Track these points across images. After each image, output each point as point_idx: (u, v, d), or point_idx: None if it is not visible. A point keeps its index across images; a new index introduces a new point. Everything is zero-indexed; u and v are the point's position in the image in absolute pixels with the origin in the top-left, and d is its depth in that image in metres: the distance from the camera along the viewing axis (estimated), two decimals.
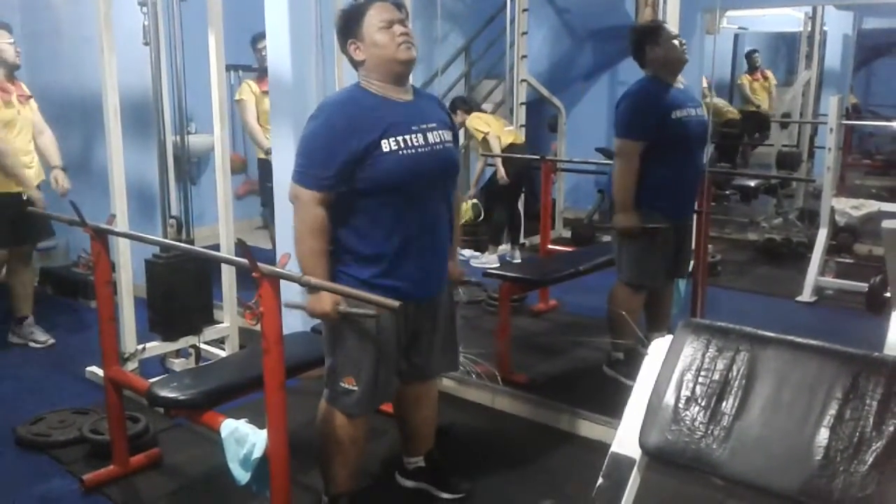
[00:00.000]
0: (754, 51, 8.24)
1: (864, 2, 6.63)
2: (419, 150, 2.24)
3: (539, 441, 3.10)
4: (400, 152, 2.20)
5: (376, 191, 2.21)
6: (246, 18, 4.40)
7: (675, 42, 3.24)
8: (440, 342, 2.50)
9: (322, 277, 2.16)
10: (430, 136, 2.28)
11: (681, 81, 3.34)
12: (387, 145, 2.19)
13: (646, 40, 3.26)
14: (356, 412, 2.35)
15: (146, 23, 3.60)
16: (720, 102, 7.27)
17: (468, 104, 5.81)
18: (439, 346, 2.50)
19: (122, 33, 3.49)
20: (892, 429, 1.45)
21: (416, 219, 2.28)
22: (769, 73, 7.86)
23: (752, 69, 7.97)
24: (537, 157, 5.13)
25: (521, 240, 5.84)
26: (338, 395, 2.34)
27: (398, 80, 2.29)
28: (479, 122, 5.58)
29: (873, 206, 4.55)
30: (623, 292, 3.39)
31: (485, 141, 5.48)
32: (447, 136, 2.35)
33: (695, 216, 3.53)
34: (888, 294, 2.87)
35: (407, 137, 2.22)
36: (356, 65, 2.31)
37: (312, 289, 2.16)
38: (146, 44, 3.63)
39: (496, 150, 5.42)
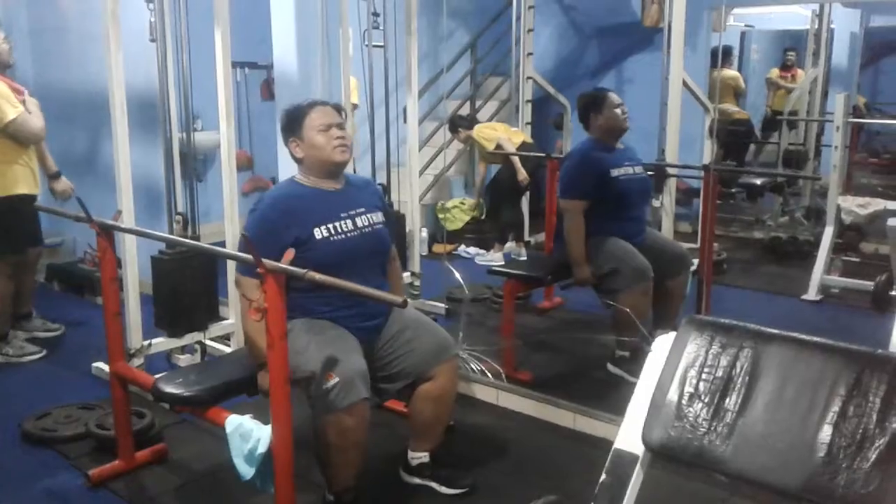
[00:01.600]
0: (792, 49, 8.19)
1: None
2: (349, 234, 2.49)
3: (543, 438, 3.10)
4: (331, 238, 2.45)
5: (314, 270, 2.24)
6: (253, 15, 4.41)
7: (618, 111, 3.51)
8: (420, 336, 2.57)
9: (264, 357, 2.24)
10: (358, 220, 2.53)
11: (621, 142, 3.61)
12: (319, 233, 2.44)
13: (591, 108, 3.55)
14: (352, 399, 2.30)
15: (152, 19, 3.62)
16: (730, 108, 7.27)
17: (468, 121, 5.98)
18: (422, 340, 2.56)
19: (128, 30, 3.49)
20: (895, 426, 1.45)
21: (344, 295, 2.39)
22: (801, 73, 7.80)
23: (786, 67, 7.94)
24: (543, 154, 5.13)
25: (526, 237, 5.83)
26: (328, 396, 2.30)
27: (331, 176, 2.55)
28: (487, 132, 5.63)
29: (880, 204, 4.53)
30: (629, 298, 3.40)
31: (498, 147, 5.50)
32: (376, 217, 2.60)
33: (701, 212, 3.63)
34: (894, 292, 2.87)
35: (337, 224, 2.48)
36: (297, 161, 2.55)
37: (263, 366, 2.28)
38: (153, 40, 3.64)
39: (512, 149, 5.45)
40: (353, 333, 2.48)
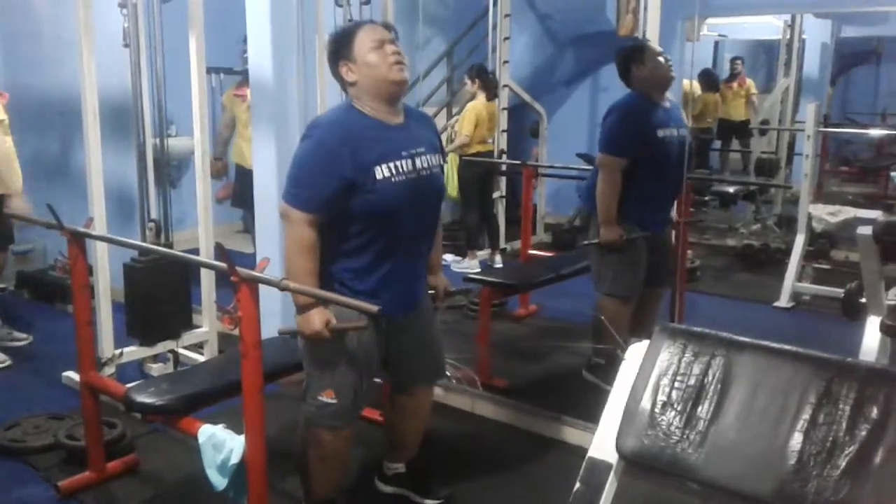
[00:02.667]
0: (737, 58, 8.31)
1: (842, 10, 6.71)
2: (409, 176, 2.24)
3: (519, 446, 3.10)
4: (392, 179, 2.20)
5: (366, 215, 2.21)
6: (228, 21, 4.38)
7: (661, 59, 3.27)
8: (422, 352, 2.51)
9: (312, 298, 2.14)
10: (418, 161, 2.28)
11: (668, 99, 3.37)
12: (380, 172, 2.18)
13: (632, 60, 3.29)
14: (339, 424, 2.33)
15: (126, 25, 3.58)
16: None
17: (490, 80, 5.68)
18: (422, 357, 2.51)
19: (101, 35, 3.46)
20: (864, 433, 1.47)
21: (403, 243, 2.29)
22: (749, 81, 7.93)
23: (731, 77, 8.04)
24: (518, 162, 5.15)
25: (502, 244, 5.85)
26: (317, 410, 2.30)
27: (390, 100, 2.28)
28: (467, 124, 5.58)
29: (850, 212, 4.60)
30: (611, 304, 3.38)
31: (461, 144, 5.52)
32: (435, 160, 2.35)
33: (675, 220, 3.57)
34: (863, 300, 2.91)
35: (399, 163, 2.22)
36: (347, 86, 2.30)
37: (301, 309, 2.16)
38: (126, 46, 3.61)
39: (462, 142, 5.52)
40: (388, 312, 2.25)
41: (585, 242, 3.42)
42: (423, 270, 2.46)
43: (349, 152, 2.16)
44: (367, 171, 2.17)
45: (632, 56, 3.31)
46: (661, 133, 3.24)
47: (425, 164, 2.29)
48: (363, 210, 2.19)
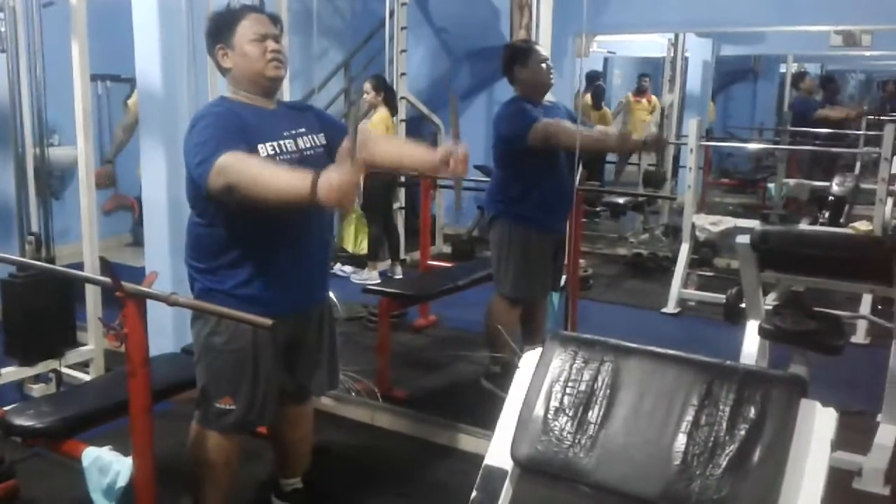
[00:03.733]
0: (644, 74, 8.63)
1: (721, 30, 7.07)
2: (293, 156, 2.19)
3: (419, 457, 3.11)
4: (277, 158, 2.14)
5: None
6: (115, 26, 4.23)
7: (543, 66, 3.36)
8: (322, 360, 2.46)
9: (304, 176, 1.88)
10: (300, 141, 2.24)
11: (548, 100, 3.46)
12: (264, 150, 2.13)
13: (515, 59, 3.37)
14: (233, 431, 2.29)
15: (3, 29, 3.42)
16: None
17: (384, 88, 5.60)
18: (321, 365, 2.46)
19: None
20: (743, 433, 1.55)
21: (291, 231, 2.22)
22: (654, 99, 8.25)
23: (640, 92, 8.36)
24: (416, 173, 5.17)
25: (402, 255, 5.86)
26: (212, 416, 2.26)
27: (265, 93, 2.25)
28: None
29: (730, 222, 4.85)
30: (500, 306, 3.46)
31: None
32: (319, 139, 2.30)
33: (567, 231, 3.66)
34: (743, 305, 3.07)
35: (282, 143, 2.18)
36: (222, 71, 2.26)
37: (313, 190, 1.85)
38: (2, 51, 3.44)
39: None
40: (267, 300, 2.19)
41: (622, 164, 3.36)
42: (321, 265, 2.40)
43: (238, 124, 2.12)
44: (252, 151, 2.09)
45: (516, 55, 3.38)
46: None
47: (308, 145, 2.26)
48: None
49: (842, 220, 4.57)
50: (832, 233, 3.23)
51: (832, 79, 9.39)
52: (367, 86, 5.47)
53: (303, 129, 2.27)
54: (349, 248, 6.02)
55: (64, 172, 5.69)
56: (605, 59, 9.51)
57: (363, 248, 5.97)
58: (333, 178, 1.84)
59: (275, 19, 2.28)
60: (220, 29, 2.22)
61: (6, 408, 2.43)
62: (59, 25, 3.57)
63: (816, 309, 2.80)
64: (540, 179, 3.34)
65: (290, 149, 2.20)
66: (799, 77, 8.54)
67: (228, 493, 2.37)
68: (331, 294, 3.54)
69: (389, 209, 5.81)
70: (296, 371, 2.41)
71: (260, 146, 2.13)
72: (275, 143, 2.17)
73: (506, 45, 3.48)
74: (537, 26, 3.87)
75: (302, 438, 2.61)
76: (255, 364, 2.24)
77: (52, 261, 3.48)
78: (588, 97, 7.69)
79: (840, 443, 1.57)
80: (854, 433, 2.59)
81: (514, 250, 3.39)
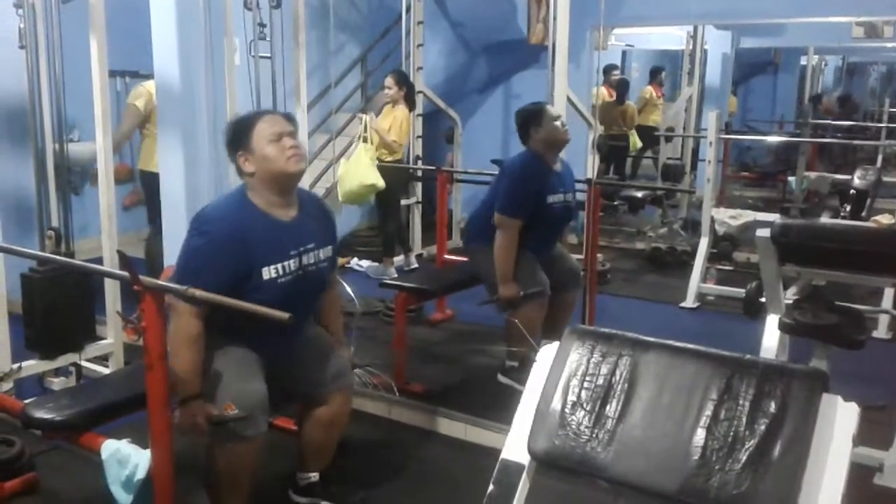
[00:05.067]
0: (661, 68, 8.59)
1: (741, 22, 7.01)
2: (295, 274, 2.33)
3: (435, 450, 3.11)
4: (278, 280, 2.28)
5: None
6: (135, 22, 4.25)
7: (557, 124, 3.45)
8: (318, 359, 2.51)
9: (197, 390, 2.19)
10: (305, 258, 2.36)
11: (560, 160, 3.57)
12: (267, 273, 2.27)
13: (531, 122, 3.47)
14: (247, 433, 2.27)
15: (22, 26, 3.44)
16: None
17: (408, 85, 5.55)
18: (320, 363, 2.50)
19: None
20: (763, 427, 1.53)
21: (278, 333, 2.27)
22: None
23: (660, 85, 8.33)
24: (433, 167, 5.16)
25: (419, 250, 5.86)
26: (224, 427, 2.24)
27: (285, 191, 2.35)
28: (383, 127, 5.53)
29: (750, 215, 4.81)
30: (526, 308, 3.42)
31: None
32: (324, 253, 2.44)
33: (584, 225, 3.69)
34: (763, 299, 3.03)
35: (286, 264, 2.31)
36: (244, 176, 2.34)
37: (182, 402, 2.18)
38: (22, 47, 3.46)
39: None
40: (259, 349, 2.36)
41: (481, 302, 3.57)
42: (306, 322, 2.52)
43: (240, 253, 2.23)
44: (255, 271, 2.25)
45: (531, 118, 3.48)
46: (550, 199, 3.46)
47: (312, 261, 2.39)
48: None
49: (863, 214, 4.52)
50: (854, 226, 3.19)
51: (849, 98, 9.32)
52: (390, 80, 5.42)
53: (311, 245, 2.39)
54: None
55: (83, 168, 5.73)
56: (623, 52, 9.45)
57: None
58: (189, 417, 2.18)
59: (289, 118, 2.40)
60: (238, 136, 2.33)
61: (27, 401, 2.45)
62: (78, 22, 3.58)
63: (837, 303, 2.76)
64: (528, 242, 3.44)
65: (292, 268, 2.33)
66: (817, 99, 8.47)
67: (247, 491, 2.38)
68: (347, 288, 3.58)
69: (398, 204, 5.81)
70: (303, 375, 2.48)
71: (264, 269, 2.26)
72: (278, 266, 2.29)
73: (517, 111, 3.60)
74: (555, 20, 3.86)
75: (328, 442, 2.61)
76: (248, 365, 2.31)
77: (71, 255, 3.50)
78: (604, 90, 7.64)
79: (861, 438, 1.55)
80: (876, 428, 2.56)
81: (518, 305, 3.41)
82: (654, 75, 8.48)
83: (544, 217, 3.46)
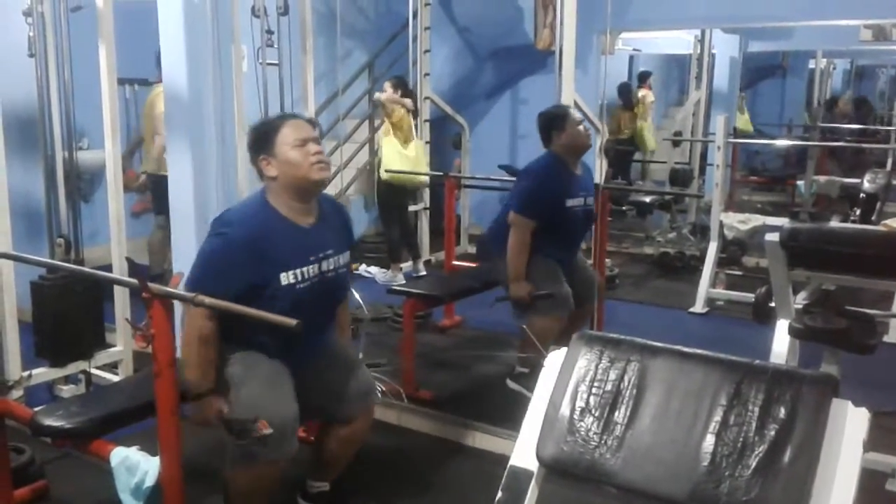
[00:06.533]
0: (649, 72, 8.60)
1: (749, 26, 6.98)
2: (313, 280, 2.30)
3: (444, 457, 3.10)
4: (297, 286, 2.26)
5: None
6: (143, 31, 4.27)
7: (581, 128, 3.44)
8: (344, 375, 2.48)
9: (210, 385, 2.19)
10: (324, 264, 2.34)
11: (581, 164, 3.57)
12: (285, 279, 2.24)
13: (553, 125, 3.45)
14: (276, 455, 2.23)
15: (31, 34, 3.46)
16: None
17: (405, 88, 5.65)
18: (347, 381, 2.47)
19: (5, 44, 3.33)
20: (773, 433, 1.52)
21: (298, 340, 2.23)
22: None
23: (650, 87, 8.34)
24: (441, 173, 5.17)
25: (427, 255, 5.86)
26: (252, 446, 2.17)
27: (306, 197, 2.33)
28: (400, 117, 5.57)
29: (759, 220, 4.79)
30: (545, 319, 3.40)
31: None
32: (342, 259, 2.42)
33: (593, 230, 3.67)
34: (773, 304, 3.02)
35: (305, 270, 2.28)
36: (266, 180, 2.32)
37: (196, 397, 2.19)
38: (31, 55, 3.49)
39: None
40: (283, 359, 2.33)
41: (497, 299, 3.54)
42: (327, 332, 2.51)
43: (257, 257, 2.21)
44: (273, 277, 2.23)
45: (553, 122, 3.47)
46: (569, 203, 3.45)
47: (331, 267, 2.37)
48: (263, 309, 2.12)
49: (873, 217, 4.49)
50: (864, 230, 3.17)
51: (865, 100, 9.27)
52: (387, 85, 5.52)
53: (330, 251, 2.37)
54: None
55: (93, 175, 5.76)
56: (631, 57, 9.43)
57: None
58: (204, 414, 2.20)
59: (313, 122, 2.40)
60: (261, 139, 2.30)
61: (37, 408, 2.45)
62: (87, 30, 3.60)
63: (848, 308, 2.74)
64: (542, 244, 3.44)
65: (311, 275, 2.30)
66: (831, 102, 8.43)
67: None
68: (356, 294, 3.57)
69: (404, 211, 5.81)
70: (331, 394, 2.44)
71: (282, 275, 2.24)
72: (297, 272, 2.27)
73: (540, 114, 3.57)
74: (561, 24, 3.85)
75: (344, 455, 2.59)
76: (272, 382, 2.27)
77: (81, 263, 3.51)
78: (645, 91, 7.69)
79: (872, 443, 1.54)
80: (887, 434, 2.54)
81: (536, 272, 3.42)
82: (644, 79, 8.55)
83: (565, 221, 3.45)
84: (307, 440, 2.83)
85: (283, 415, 2.22)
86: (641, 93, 8.37)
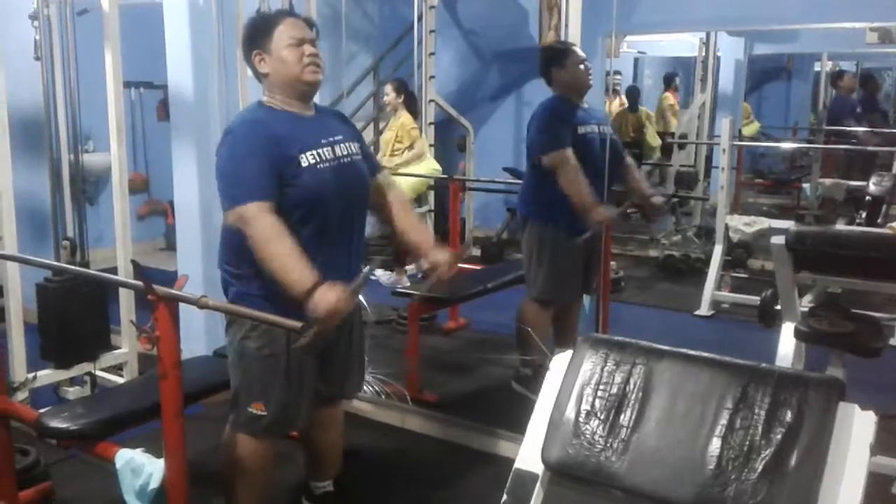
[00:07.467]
0: (676, 73, 8.58)
1: (754, 28, 6.97)
2: (331, 163, 2.21)
3: (449, 460, 3.09)
4: (318, 166, 2.17)
5: (293, 206, 2.14)
6: (149, 33, 4.29)
7: (581, 67, 3.34)
8: (354, 363, 2.48)
9: (311, 276, 2.00)
10: (338, 148, 2.25)
11: (584, 104, 3.43)
12: (304, 160, 2.15)
13: (553, 61, 3.35)
14: (266, 435, 2.30)
15: (38, 37, 3.48)
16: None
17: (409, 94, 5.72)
18: (353, 367, 2.48)
19: (11, 47, 3.34)
20: (779, 437, 1.51)
21: (332, 234, 2.23)
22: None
23: (676, 90, 8.33)
24: (445, 176, 5.17)
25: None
26: (245, 420, 2.27)
27: (302, 98, 2.27)
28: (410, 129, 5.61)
29: (764, 223, 4.77)
30: (531, 308, 3.43)
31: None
32: (354, 147, 2.32)
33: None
34: (778, 307, 3.01)
35: (320, 151, 2.19)
36: (259, 77, 2.27)
37: (306, 294, 1.98)
38: (37, 59, 3.50)
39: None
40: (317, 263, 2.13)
41: (585, 237, 3.28)
42: (357, 265, 2.34)
43: (270, 141, 2.13)
44: (292, 161, 2.14)
45: (553, 57, 3.36)
46: (581, 130, 3.30)
47: (346, 152, 2.27)
48: (289, 201, 2.13)
49: (879, 221, 4.48)
50: (870, 233, 3.16)
51: (871, 76, 9.19)
52: (388, 87, 5.57)
53: (339, 137, 2.29)
54: None
55: (98, 178, 5.78)
56: (636, 60, 9.43)
57: None
58: (329, 300, 1.96)
59: (310, 23, 2.30)
60: (257, 34, 2.24)
61: (42, 410, 2.46)
62: (93, 33, 3.62)
63: (854, 311, 2.74)
64: None
65: (328, 156, 2.21)
66: (838, 75, 8.36)
67: (261, 496, 2.38)
68: (360, 296, 3.56)
69: None
70: (329, 375, 2.41)
71: (301, 156, 2.15)
72: (314, 152, 2.18)
73: (542, 48, 3.47)
74: (566, 27, 3.85)
75: (333, 442, 2.61)
76: (288, 370, 2.24)
77: (86, 265, 3.53)
78: (670, 95, 7.66)
79: (879, 447, 1.53)
80: (894, 437, 2.52)
81: (545, 253, 3.36)
82: (670, 81, 8.50)
83: (581, 150, 3.27)
84: (294, 437, 2.81)
85: (279, 405, 2.25)
86: (668, 95, 8.36)
